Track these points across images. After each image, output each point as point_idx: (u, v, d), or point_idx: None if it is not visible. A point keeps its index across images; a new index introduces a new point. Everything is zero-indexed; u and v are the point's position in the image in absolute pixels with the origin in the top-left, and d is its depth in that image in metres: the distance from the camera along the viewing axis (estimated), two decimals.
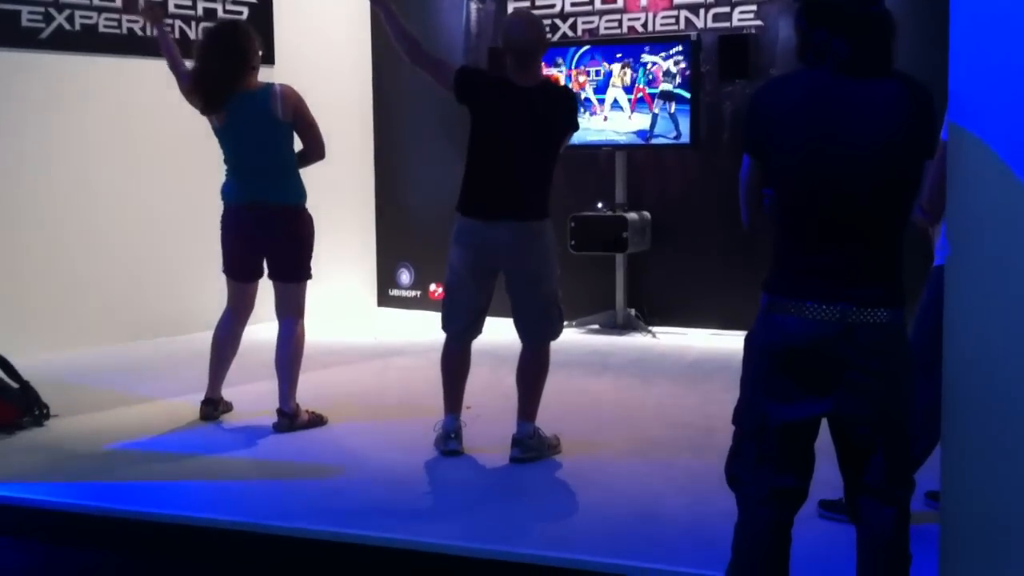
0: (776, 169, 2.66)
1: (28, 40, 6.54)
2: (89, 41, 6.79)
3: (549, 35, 7.61)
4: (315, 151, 4.95)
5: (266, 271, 5.02)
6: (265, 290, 5.08)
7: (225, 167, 4.96)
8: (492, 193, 4.37)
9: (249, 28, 4.99)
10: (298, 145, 4.96)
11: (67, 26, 6.69)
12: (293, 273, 4.92)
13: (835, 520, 3.51)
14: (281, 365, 4.92)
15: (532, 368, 4.50)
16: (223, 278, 5.06)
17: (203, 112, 4.87)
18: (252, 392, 5.40)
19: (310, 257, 4.97)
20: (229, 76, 4.78)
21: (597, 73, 7.33)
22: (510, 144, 4.35)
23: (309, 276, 4.99)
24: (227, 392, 5.28)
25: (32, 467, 4.43)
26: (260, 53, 4.95)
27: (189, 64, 5.00)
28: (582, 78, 7.38)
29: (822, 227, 2.61)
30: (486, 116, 4.39)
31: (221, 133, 4.90)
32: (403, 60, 4.55)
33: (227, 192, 4.95)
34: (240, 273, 5.01)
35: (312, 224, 4.97)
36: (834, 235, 2.60)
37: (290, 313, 4.94)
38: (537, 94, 4.38)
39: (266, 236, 4.89)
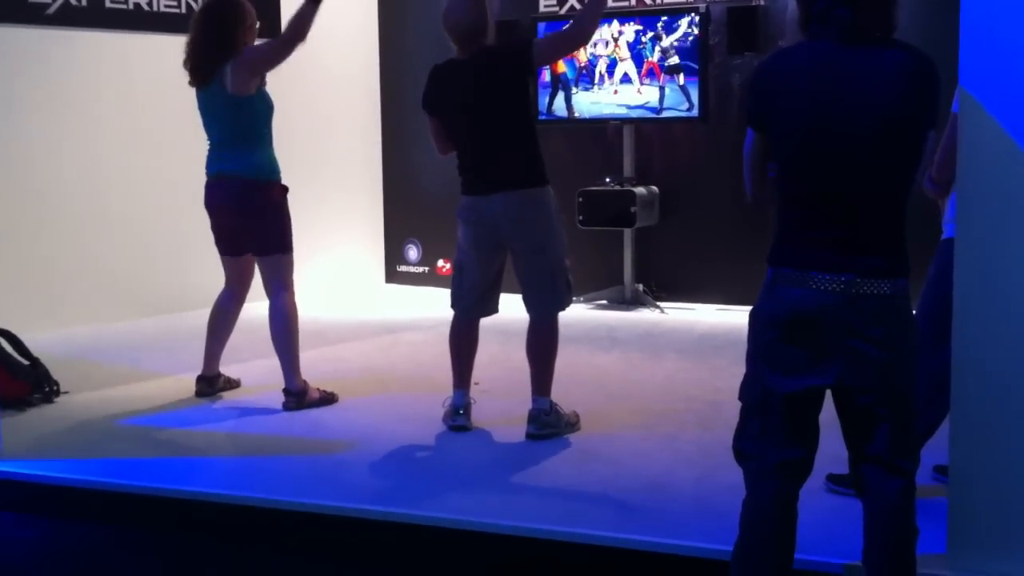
0: (779, 141, 2.65)
1: (35, 16, 6.52)
2: (96, 17, 6.78)
3: (555, 7, 7.58)
4: (282, 42, 4.76)
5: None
6: None
7: None
8: (477, 169, 4.41)
9: (241, 2, 4.86)
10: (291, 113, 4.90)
11: (74, 1, 6.67)
12: (263, 246, 4.88)
13: (842, 494, 3.51)
14: (275, 343, 4.91)
15: (540, 341, 4.48)
16: None
17: (189, 84, 4.86)
18: (262, 368, 5.41)
19: (280, 231, 4.87)
20: (213, 50, 4.75)
21: (605, 45, 7.29)
22: (468, 119, 4.38)
23: (282, 250, 4.88)
24: (235, 368, 5.29)
25: (42, 443, 4.45)
26: (255, 26, 4.86)
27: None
28: (589, 49, 7.33)
29: (825, 198, 2.60)
30: (443, 106, 4.44)
31: (198, 106, 4.92)
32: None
33: (205, 166, 4.97)
34: (223, 246, 5.02)
35: (277, 197, 4.86)
36: (838, 206, 2.59)
37: (272, 288, 4.91)
38: (476, 60, 4.36)
39: (231, 211, 4.88)
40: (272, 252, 4.89)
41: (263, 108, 4.86)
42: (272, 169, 4.88)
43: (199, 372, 5.19)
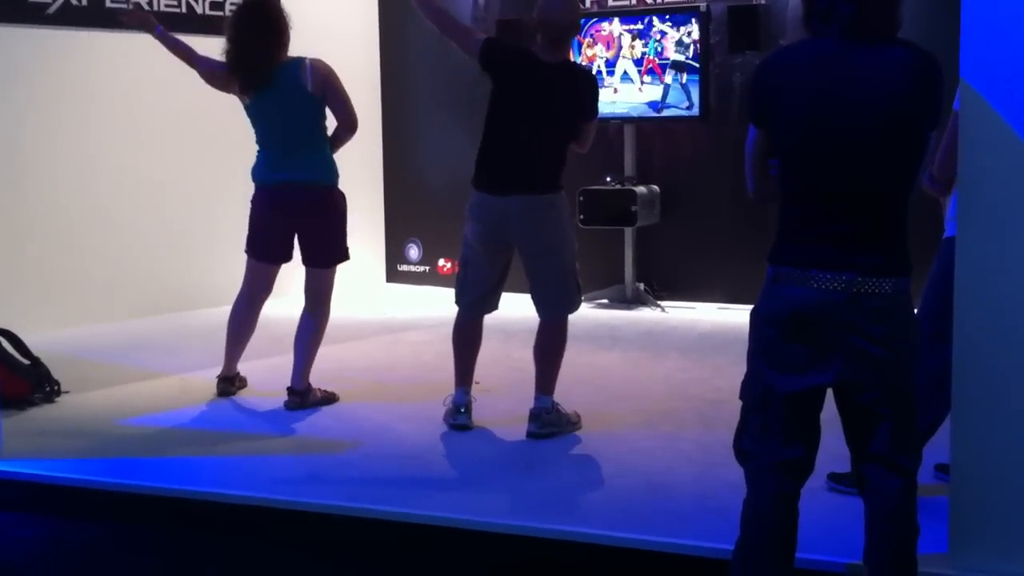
0: (781, 138, 2.65)
1: (35, 16, 6.52)
2: (96, 16, 6.77)
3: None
4: (346, 127, 4.85)
5: (297, 255, 4.93)
6: (281, 269, 5.05)
7: (257, 146, 4.86)
8: (504, 167, 4.38)
9: (279, 2, 4.82)
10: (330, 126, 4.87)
11: (74, 1, 6.67)
12: (327, 258, 4.85)
13: (844, 493, 3.50)
14: (300, 345, 4.89)
15: (550, 341, 4.49)
16: (234, 253, 5.03)
17: (242, 90, 4.75)
18: (264, 368, 5.41)
19: (345, 238, 4.89)
20: (267, 51, 4.69)
21: (608, 46, 7.28)
22: (528, 117, 4.35)
23: (345, 258, 4.92)
24: (240, 368, 5.28)
25: (43, 443, 4.44)
26: (290, 28, 4.83)
27: (202, 50, 4.90)
28: (591, 51, 7.33)
29: (827, 197, 2.60)
30: (508, 89, 4.40)
31: (251, 111, 4.81)
32: (426, 24, 4.54)
33: (258, 171, 4.85)
34: (265, 254, 4.93)
35: (345, 204, 4.87)
36: (839, 205, 2.58)
37: (318, 297, 4.89)
38: (560, 71, 4.37)
39: (298, 217, 4.80)
40: (331, 263, 4.87)
41: (324, 108, 4.83)
42: (337, 172, 4.86)
43: (201, 371, 5.20)
